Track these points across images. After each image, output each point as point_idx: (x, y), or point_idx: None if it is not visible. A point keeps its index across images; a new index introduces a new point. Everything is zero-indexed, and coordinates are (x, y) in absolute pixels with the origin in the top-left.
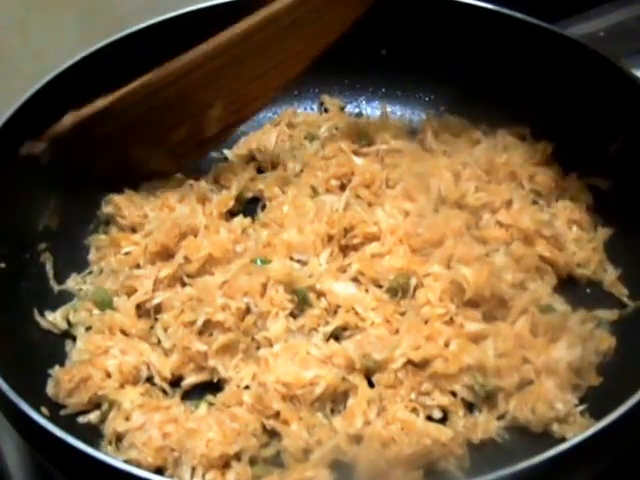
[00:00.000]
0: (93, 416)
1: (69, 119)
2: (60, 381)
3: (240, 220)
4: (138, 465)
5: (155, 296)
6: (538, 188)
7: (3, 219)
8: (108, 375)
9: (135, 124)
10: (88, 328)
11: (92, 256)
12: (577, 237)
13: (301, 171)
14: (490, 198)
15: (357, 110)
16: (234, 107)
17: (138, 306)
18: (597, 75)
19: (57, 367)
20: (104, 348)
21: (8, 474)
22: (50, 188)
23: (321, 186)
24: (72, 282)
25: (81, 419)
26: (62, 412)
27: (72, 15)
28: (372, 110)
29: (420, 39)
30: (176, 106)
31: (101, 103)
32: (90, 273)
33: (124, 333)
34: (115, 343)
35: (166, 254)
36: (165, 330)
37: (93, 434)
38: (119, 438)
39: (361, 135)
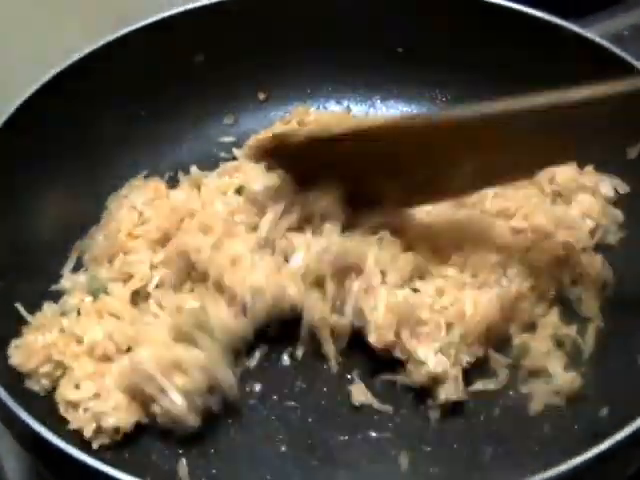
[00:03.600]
0: (45, 381)
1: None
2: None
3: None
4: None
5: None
6: (559, 189)
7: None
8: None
9: (376, 156)
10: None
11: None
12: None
13: None
14: (506, 204)
15: (372, 109)
16: (484, 174)
17: (136, 293)
18: (618, 77)
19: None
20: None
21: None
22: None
23: None
24: (67, 281)
25: (30, 384)
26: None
27: (74, 11)
28: (387, 109)
29: (438, 37)
30: (424, 153)
31: (347, 129)
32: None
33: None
34: (102, 325)
35: (166, 241)
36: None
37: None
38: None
39: None
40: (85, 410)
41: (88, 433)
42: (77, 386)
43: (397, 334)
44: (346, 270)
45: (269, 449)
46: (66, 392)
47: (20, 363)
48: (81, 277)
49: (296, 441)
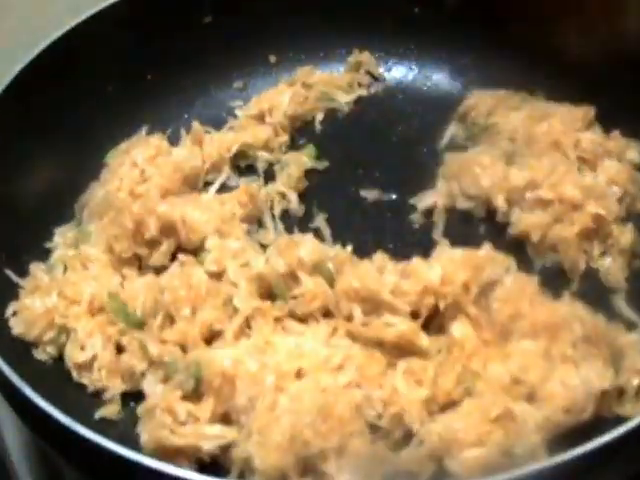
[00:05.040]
0: (50, 349)
1: None
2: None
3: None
4: None
5: None
6: (584, 155)
7: None
8: (76, 302)
9: None
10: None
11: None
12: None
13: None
14: (532, 175)
15: (386, 73)
16: None
17: None
18: None
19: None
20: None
21: (7, 454)
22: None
23: None
24: (59, 238)
25: (37, 354)
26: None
27: None
28: (405, 72)
29: None
30: None
31: None
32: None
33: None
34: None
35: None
36: None
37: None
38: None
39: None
40: (100, 369)
41: (114, 390)
42: (82, 347)
43: None
44: None
45: None
46: (75, 355)
47: (23, 332)
48: (71, 232)
49: None
